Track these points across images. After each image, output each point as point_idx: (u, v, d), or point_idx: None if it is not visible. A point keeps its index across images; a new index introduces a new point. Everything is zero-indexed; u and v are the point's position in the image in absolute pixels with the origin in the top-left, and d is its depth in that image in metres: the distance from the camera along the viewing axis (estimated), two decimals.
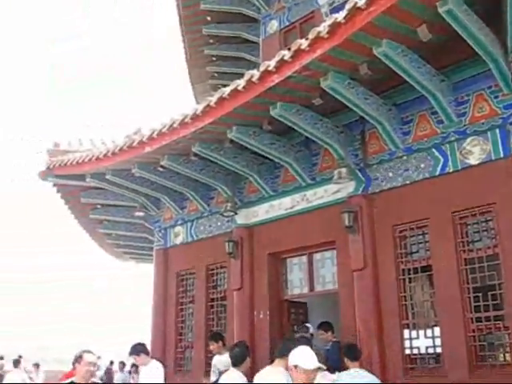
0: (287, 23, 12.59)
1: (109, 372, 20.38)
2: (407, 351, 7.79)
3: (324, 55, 6.87)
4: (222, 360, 8.70)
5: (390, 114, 8.12)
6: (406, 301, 7.95)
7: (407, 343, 7.80)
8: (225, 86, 8.37)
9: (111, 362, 22.10)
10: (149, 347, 11.71)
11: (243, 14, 13.53)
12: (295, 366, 4.34)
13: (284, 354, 4.72)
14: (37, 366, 18.80)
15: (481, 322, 7.17)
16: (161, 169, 10.34)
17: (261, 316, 9.83)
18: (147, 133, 9.37)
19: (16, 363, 14.09)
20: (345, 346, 7.46)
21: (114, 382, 18.35)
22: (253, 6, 13.30)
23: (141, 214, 12.64)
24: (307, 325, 9.44)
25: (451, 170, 7.70)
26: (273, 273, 9.98)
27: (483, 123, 7.42)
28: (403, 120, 8.24)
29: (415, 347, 7.74)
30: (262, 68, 7.47)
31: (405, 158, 8.20)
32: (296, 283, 9.90)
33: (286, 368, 4.69)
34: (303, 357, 4.35)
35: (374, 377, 6.98)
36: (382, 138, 8.34)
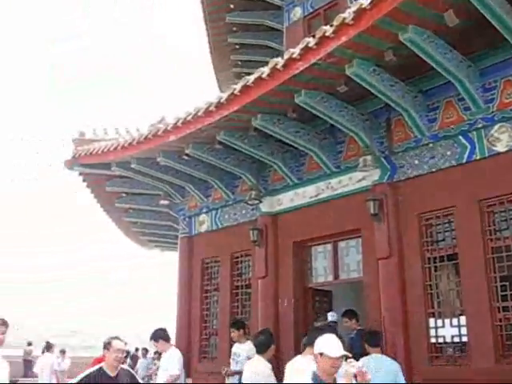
0: (311, 10, 12.48)
1: (134, 358, 20.63)
2: (432, 340, 7.74)
3: (349, 42, 6.81)
4: (242, 348, 8.75)
5: (415, 100, 8.03)
6: (431, 289, 7.89)
7: (432, 332, 7.75)
8: (248, 74, 8.34)
9: (136, 349, 22.37)
10: (173, 334, 11.89)
11: (266, 1, 13.44)
12: (320, 354, 4.33)
13: (313, 343, 4.72)
14: (63, 352, 19.10)
15: (508, 311, 7.08)
16: (185, 157, 10.38)
17: (285, 304, 9.84)
18: (172, 121, 9.40)
19: (48, 348, 14.36)
20: (366, 332, 7.48)
21: (137, 368, 18.57)
22: None
23: (166, 202, 12.72)
24: (330, 313, 9.44)
25: (478, 158, 7.60)
26: (297, 261, 9.98)
27: (511, 110, 7.31)
28: (429, 107, 8.14)
29: (440, 336, 7.69)
30: (286, 55, 7.44)
31: (431, 145, 8.11)
32: (320, 271, 9.90)
33: None
34: (328, 344, 4.34)
35: (395, 362, 6.99)
36: (408, 126, 8.26)
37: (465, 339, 7.43)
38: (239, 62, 15.52)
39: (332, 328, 7.26)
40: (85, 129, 12.38)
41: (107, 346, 5.76)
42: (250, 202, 10.31)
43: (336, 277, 9.56)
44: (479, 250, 7.36)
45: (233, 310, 11.04)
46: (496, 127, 7.45)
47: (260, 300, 10.18)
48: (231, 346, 9.36)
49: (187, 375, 11.09)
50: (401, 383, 6.86)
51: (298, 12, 12.78)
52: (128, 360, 16.18)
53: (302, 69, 7.35)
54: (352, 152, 9.09)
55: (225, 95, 8.44)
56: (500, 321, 7.11)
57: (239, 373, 8.44)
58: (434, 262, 7.94)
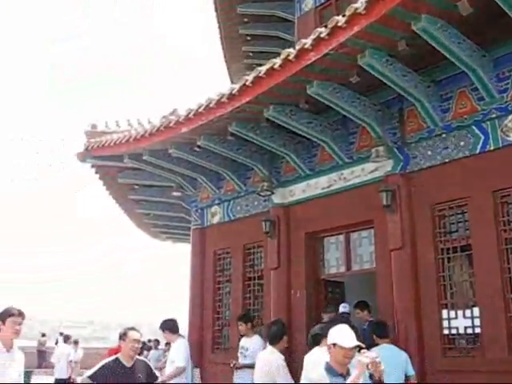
0: (323, 0, 12.39)
1: (146, 349, 20.73)
2: (445, 331, 7.71)
3: (361, 32, 6.77)
4: (249, 342, 8.78)
5: (428, 91, 7.98)
6: (444, 281, 7.86)
7: (445, 323, 7.72)
8: (260, 65, 8.32)
9: (149, 340, 22.49)
10: (186, 325, 11.95)
11: None
12: (334, 345, 4.35)
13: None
14: (76, 342, 19.25)
15: None
16: (197, 149, 10.38)
17: (297, 295, 9.85)
18: (184, 113, 9.40)
19: (66, 339, 14.51)
20: (373, 323, 7.49)
21: (149, 358, 18.70)
22: None
23: (178, 194, 12.75)
24: (343, 304, 9.44)
25: (492, 148, 7.54)
26: (310, 252, 9.98)
27: None
28: (442, 97, 8.09)
29: (453, 327, 7.66)
30: (298, 46, 7.41)
31: (444, 135, 8.06)
32: (333, 262, 9.89)
33: None
34: (342, 335, 4.35)
35: (404, 352, 7.01)
36: (421, 116, 8.21)
37: (478, 330, 7.40)
38: (250, 54, 15.49)
39: (345, 319, 7.29)
40: (96, 121, 12.43)
41: (123, 336, 5.81)
42: (262, 194, 10.31)
43: (348, 268, 9.55)
44: (493, 240, 7.31)
45: (245, 301, 11.07)
46: (510, 117, 7.38)
47: (272, 291, 10.19)
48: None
49: (200, 366, 11.17)
50: (410, 373, 6.90)
51: (309, 2, 12.72)
52: (145, 352, 16.30)
53: (314, 59, 7.31)
54: (364, 143, 9.06)
55: (237, 86, 8.43)
56: None
57: (247, 366, 8.49)
58: (447, 253, 7.90)
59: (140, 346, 6.00)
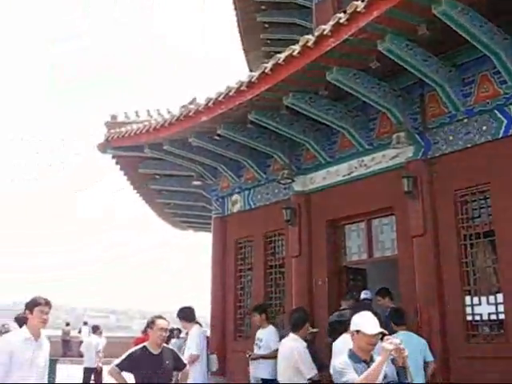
0: None
1: (168, 338, 20.89)
2: (469, 318, 7.67)
3: (381, 17, 6.70)
4: (264, 333, 8.80)
5: (449, 75, 7.88)
6: (467, 267, 7.80)
7: (469, 310, 7.68)
8: (278, 52, 8.28)
9: (171, 330, 22.63)
10: (208, 314, 12.03)
11: None
12: (357, 331, 4.34)
13: None
14: (100, 332, 19.46)
15: None
16: (217, 137, 10.40)
17: (319, 283, 9.86)
18: (203, 102, 9.41)
19: (94, 329, 14.70)
20: (390, 310, 7.46)
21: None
22: None
23: (198, 183, 12.79)
24: (364, 291, 9.42)
25: None
26: (331, 239, 9.96)
27: None
28: (464, 81, 7.99)
29: (477, 314, 7.61)
30: (317, 32, 7.36)
31: (466, 120, 7.97)
32: (354, 250, 9.87)
33: None
34: (365, 322, 4.35)
35: (422, 339, 6.99)
36: (442, 101, 8.12)
37: (502, 317, 7.35)
38: (268, 41, 15.40)
39: (367, 305, 7.28)
40: (116, 112, 12.49)
41: (151, 324, 5.87)
42: (282, 182, 10.30)
43: (370, 255, 9.53)
44: None
45: (267, 290, 11.10)
46: None
47: (294, 279, 10.20)
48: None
49: (223, 354, 11.24)
50: (429, 359, 6.89)
51: None
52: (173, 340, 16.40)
53: (333, 45, 7.25)
54: (385, 129, 9.00)
55: (256, 74, 8.41)
56: None
57: (263, 357, 8.54)
58: (470, 239, 7.84)
59: (167, 334, 6.05)
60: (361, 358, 4.30)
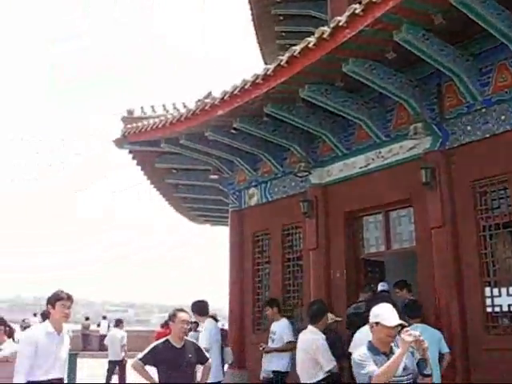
0: None
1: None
2: (488, 309, 7.62)
3: (397, 7, 6.64)
4: (277, 326, 8.82)
5: (467, 65, 7.81)
6: (486, 258, 7.74)
7: (488, 301, 7.63)
8: (293, 45, 8.24)
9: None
10: (227, 307, 12.06)
11: None
12: (376, 323, 4.32)
13: None
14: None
15: None
16: (233, 131, 10.40)
17: (337, 275, 9.84)
18: (219, 96, 9.41)
19: (118, 323, 14.84)
20: (406, 303, 7.41)
21: None
22: None
23: (215, 176, 12.82)
24: (381, 283, 9.40)
25: None
26: (348, 232, 9.94)
27: None
28: (481, 71, 7.90)
29: (497, 305, 7.56)
30: (332, 24, 7.31)
31: (484, 110, 7.89)
32: (372, 242, 9.85)
33: None
34: (384, 314, 4.33)
35: (437, 331, 6.95)
36: (460, 91, 8.05)
37: None
38: (283, 34, 15.34)
39: (386, 297, 7.25)
40: (133, 107, 12.53)
41: (172, 317, 5.89)
42: (299, 174, 10.28)
43: (388, 247, 9.49)
44: None
45: (285, 282, 11.11)
46: None
47: (312, 272, 10.20)
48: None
49: (242, 346, 11.29)
50: (444, 351, 6.86)
51: None
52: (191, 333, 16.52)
53: (349, 37, 7.21)
54: (402, 120, 8.94)
55: (271, 67, 8.39)
56: None
57: (276, 350, 8.56)
58: (490, 230, 7.78)
59: (189, 326, 6.05)
60: (380, 350, 4.28)
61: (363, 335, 5.49)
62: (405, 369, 4.17)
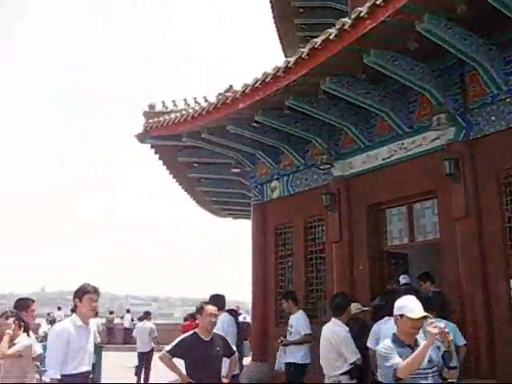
0: None
1: None
2: None
3: None
4: (293, 318, 8.81)
5: (490, 54, 7.71)
6: (511, 249, 7.67)
7: None
8: (313, 37, 8.20)
9: None
10: (250, 300, 12.09)
11: None
12: (401, 316, 4.30)
13: None
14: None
15: None
16: (255, 124, 10.40)
17: (360, 268, 9.81)
18: (240, 89, 9.40)
19: (146, 315, 14.99)
20: (429, 295, 7.34)
21: None
22: None
23: (237, 170, 12.83)
24: (402, 276, 9.35)
25: None
26: (371, 224, 9.90)
27: None
28: (505, 60, 7.80)
29: None
30: (353, 15, 7.26)
31: (508, 100, 7.79)
32: (395, 234, 9.80)
33: None
34: (409, 306, 4.30)
35: (451, 323, 6.90)
36: (483, 81, 7.96)
37: None
38: (303, 26, 15.27)
39: (411, 289, 7.21)
40: (154, 101, 12.58)
41: (200, 310, 5.89)
42: (321, 167, 10.26)
43: (412, 239, 9.44)
44: None
45: (307, 275, 11.11)
46: None
47: (335, 264, 10.18)
48: (306, 311, 9.42)
49: (265, 339, 11.31)
50: (460, 343, 6.79)
51: None
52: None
53: (370, 27, 7.15)
54: (425, 111, 8.86)
55: (292, 59, 8.36)
56: None
57: (294, 343, 8.57)
58: None
59: (216, 319, 6.06)
60: (404, 343, 4.26)
61: (392, 328, 5.47)
62: (430, 361, 4.14)
